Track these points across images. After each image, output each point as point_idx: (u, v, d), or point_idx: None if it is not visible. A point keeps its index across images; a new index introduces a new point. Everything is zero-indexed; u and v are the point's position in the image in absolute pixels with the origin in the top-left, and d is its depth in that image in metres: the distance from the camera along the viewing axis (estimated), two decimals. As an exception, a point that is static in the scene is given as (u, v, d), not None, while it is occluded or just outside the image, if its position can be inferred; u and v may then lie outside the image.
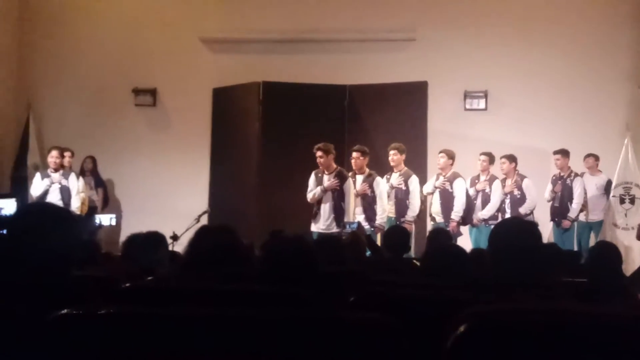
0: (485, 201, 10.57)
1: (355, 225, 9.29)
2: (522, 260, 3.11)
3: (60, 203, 10.27)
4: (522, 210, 10.47)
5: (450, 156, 10.40)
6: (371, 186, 9.78)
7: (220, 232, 3.82)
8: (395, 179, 10.10)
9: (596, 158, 10.99)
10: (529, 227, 3.30)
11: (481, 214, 10.47)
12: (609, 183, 10.92)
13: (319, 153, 9.66)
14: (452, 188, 10.25)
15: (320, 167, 9.72)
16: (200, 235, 3.80)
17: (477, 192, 10.63)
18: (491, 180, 10.65)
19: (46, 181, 10.72)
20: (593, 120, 11.76)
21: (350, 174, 9.90)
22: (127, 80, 12.85)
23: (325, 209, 9.64)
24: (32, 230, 2.65)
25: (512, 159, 10.69)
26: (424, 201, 10.37)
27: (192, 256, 3.68)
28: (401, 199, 10.01)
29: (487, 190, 10.60)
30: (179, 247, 8.05)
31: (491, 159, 10.75)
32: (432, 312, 2.72)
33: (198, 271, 3.54)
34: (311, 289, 2.89)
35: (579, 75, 11.89)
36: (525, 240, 3.18)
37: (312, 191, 9.72)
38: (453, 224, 10.12)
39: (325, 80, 11.75)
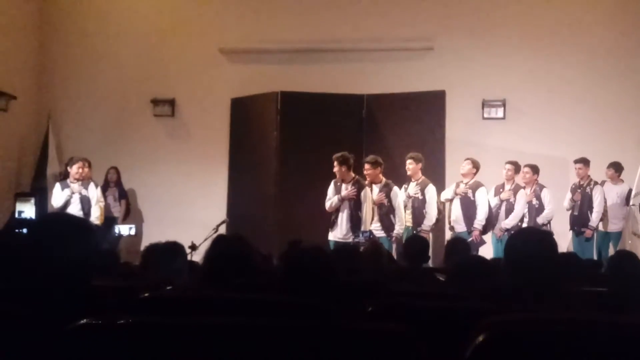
0: (509, 210, 10.51)
1: (367, 234, 9.30)
2: (537, 269, 3.09)
3: (80, 213, 10.38)
4: (540, 220, 10.44)
5: (475, 165, 10.39)
6: (388, 196, 9.78)
7: (234, 242, 3.83)
8: (413, 188, 10.09)
9: (617, 169, 10.92)
10: (544, 237, 3.28)
11: (504, 223, 10.41)
12: (630, 192, 10.85)
13: (334, 163, 9.68)
14: (474, 196, 10.23)
15: (338, 177, 9.74)
16: (216, 246, 3.81)
17: (502, 201, 10.57)
18: (516, 189, 10.58)
19: (67, 192, 10.79)
20: (611, 129, 11.70)
21: (366, 182, 9.90)
22: (145, 90, 12.91)
23: (343, 217, 9.65)
24: (51, 240, 2.66)
25: (535, 169, 10.67)
26: (441, 210, 10.34)
27: (209, 266, 3.70)
28: (418, 208, 9.99)
29: (512, 199, 10.54)
30: (198, 256, 8.06)
31: (517, 168, 10.70)
32: (450, 322, 2.71)
33: (215, 281, 3.55)
34: (329, 299, 2.89)
35: (597, 84, 11.84)
36: (541, 250, 3.16)
37: (330, 200, 9.73)
38: (476, 233, 10.11)
39: (343, 89, 11.75)
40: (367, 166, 9.90)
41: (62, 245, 2.66)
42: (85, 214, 10.52)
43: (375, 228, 9.72)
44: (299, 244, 4.87)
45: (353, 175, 9.77)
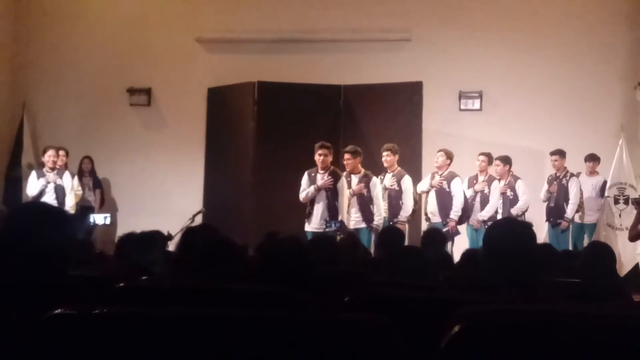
0: (484, 202, 10.55)
1: (338, 224, 9.30)
2: (516, 261, 3.10)
3: (55, 202, 10.30)
4: (514, 211, 10.49)
5: (449, 156, 10.39)
6: (367, 186, 9.77)
7: (202, 233, 3.83)
8: (389, 179, 10.09)
9: (599, 161, 11.02)
10: (523, 228, 3.29)
11: (480, 215, 10.45)
12: (605, 184, 10.93)
13: (323, 151, 9.62)
14: (449, 188, 10.24)
15: (319, 165, 9.68)
16: (185, 238, 3.81)
17: (476, 192, 10.61)
18: (490, 180, 10.63)
19: (42, 181, 10.73)
20: (587, 121, 11.77)
21: (344, 173, 9.90)
22: (122, 79, 12.83)
23: (319, 208, 9.62)
24: (26, 230, 2.64)
25: (506, 160, 10.70)
26: (417, 201, 10.36)
27: (179, 258, 3.69)
28: (394, 199, 10.00)
29: (486, 191, 10.59)
30: (173, 247, 8.04)
31: (490, 159, 10.75)
32: (426, 312, 2.72)
33: (188, 272, 3.55)
34: (306, 289, 2.89)
35: (574, 76, 11.90)
36: (520, 241, 3.17)
37: (305, 190, 9.70)
38: (452, 224, 10.12)
39: (321, 80, 11.74)
40: (347, 156, 9.88)
41: (38, 235, 2.64)
42: (60, 204, 10.46)
43: (356, 218, 9.73)
44: (275, 236, 4.86)
45: (329, 164, 9.77)
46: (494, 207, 10.50)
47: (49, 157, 10.85)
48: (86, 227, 11.09)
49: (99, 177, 12.35)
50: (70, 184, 10.97)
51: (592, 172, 11.05)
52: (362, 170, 9.92)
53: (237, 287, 2.89)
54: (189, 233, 3.92)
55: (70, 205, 10.77)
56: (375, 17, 12.34)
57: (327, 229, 9.25)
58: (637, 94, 11.54)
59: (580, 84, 11.88)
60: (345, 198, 9.69)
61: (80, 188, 11.36)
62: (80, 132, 12.72)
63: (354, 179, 9.87)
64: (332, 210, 9.56)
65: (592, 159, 11.03)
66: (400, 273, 4.34)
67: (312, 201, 9.68)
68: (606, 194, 10.88)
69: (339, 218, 9.51)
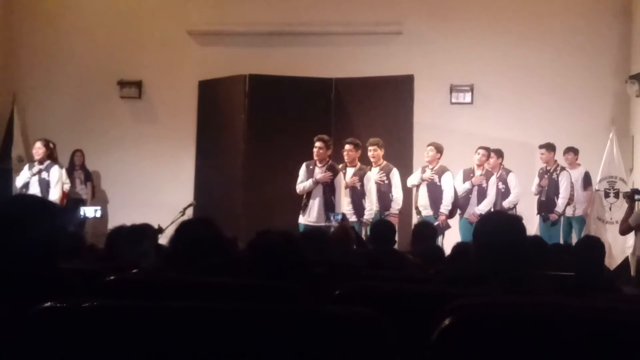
0: (481, 195, 10.52)
1: (339, 217, 9.28)
2: (506, 254, 3.11)
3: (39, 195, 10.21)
4: (506, 204, 10.49)
5: (439, 149, 10.39)
6: (361, 180, 9.77)
7: (199, 226, 3.81)
8: (376, 173, 10.08)
9: (575, 152, 11.03)
10: (513, 222, 3.29)
11: (477, 209, 10.40)
12: (586, 175, 10.95)
13: (319, 143, 9.61)
14: (440, 182, 10.25)
15: (315, 158, 9.67)
16: (181, 230, 3.79)
17: (473, 186, 10.58)
18: (488, 175, 10.61)
19: (28, 173, 10.64)
20: (579, 114, 11.79)
21: (340, 166, 9.89)
22: (112, 72, 12.79)
23: (316, 202, 9.60)
24: (14, 222, 2.63)
25: (499, 154, 10.72)
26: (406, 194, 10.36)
27: (175, 250, 3.68)
28: (384, 193, 10.00)
29: (484, 184, 10.56)
30: (164, 240, 8.02)
31: (489, 153, 10.74)
32: (417, 305, 2.72)
33: (181, 265, 3.53)
34: (297, 282, 2.89)
35: (565, 70, 11.92)
36: (510, 234, 3.18)
37: (303, 183, 9.69)
38: (442, 218, 10.13)
39: (312, 73, 11.73)
40: (348, 147, 9.85)
41: (26, 227, 2.62)
42: (44, 197, 10.35)
43: (348, 211, 9.72)
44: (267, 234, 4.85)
45: (327, 158, 9.76)
46: (491, 201, 10.44)
47: (34, 149, 10.78)
48: (77, 220, 11.03)
49: (89, 170, 12.33)
50: (57, 177, 10.84)
51: (572, 164, 11.03)
52: (359, 164, 9.92)
53: (229, 281, 2.89)
54: (184, 225, 3.89)
55: (54, 198, 10.63)
56: (366, 10, 12.34)
57: (328, 222, 9.24)
58: (627, 88, 11.56)
59: (571, 77, 11.90)
60: (342, 193, 9.68)
61: (68, 181, 11.26)
62: (71, 125, 12.68)
63: (349, 171, 9.86)
64: (329, 205, 9.55)
65: (570, 151, 11.02)
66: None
67: (308, 194, 9.66)
68: (597, 188, 10.90)
69: (335, 211, 9.50)
